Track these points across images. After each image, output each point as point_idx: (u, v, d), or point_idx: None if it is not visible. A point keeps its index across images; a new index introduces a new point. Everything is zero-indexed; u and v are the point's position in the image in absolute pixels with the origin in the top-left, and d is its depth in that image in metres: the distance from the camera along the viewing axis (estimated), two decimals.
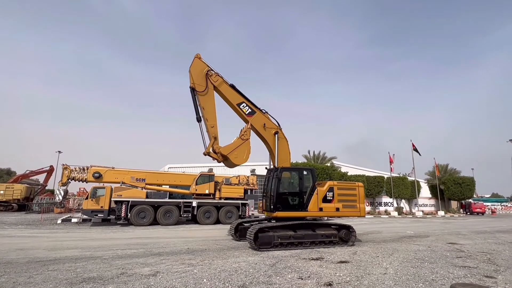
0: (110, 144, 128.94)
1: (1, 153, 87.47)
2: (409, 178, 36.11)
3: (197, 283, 4.94)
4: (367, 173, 34.68)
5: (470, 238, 11.81)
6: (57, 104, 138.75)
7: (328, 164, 32.03)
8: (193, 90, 9.89)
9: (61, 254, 7.37)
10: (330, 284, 4.98)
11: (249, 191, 19.79)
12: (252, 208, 19.68)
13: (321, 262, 6.71)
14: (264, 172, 10.61)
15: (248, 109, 10.11)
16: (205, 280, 5.13)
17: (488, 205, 42.69)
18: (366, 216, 9.26)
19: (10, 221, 17.07)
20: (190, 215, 16.83)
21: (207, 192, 17.49)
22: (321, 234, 8.90)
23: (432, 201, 38.47)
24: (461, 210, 37.90)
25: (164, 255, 7.43)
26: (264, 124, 10.11)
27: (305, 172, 9.55)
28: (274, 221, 9.25)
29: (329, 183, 9.64)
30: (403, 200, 35.39)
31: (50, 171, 34.13)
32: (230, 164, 10.00)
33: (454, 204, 39.56)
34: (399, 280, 5.32)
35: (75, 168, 16.93)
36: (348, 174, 31.41)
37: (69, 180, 16.88)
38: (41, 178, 35.53)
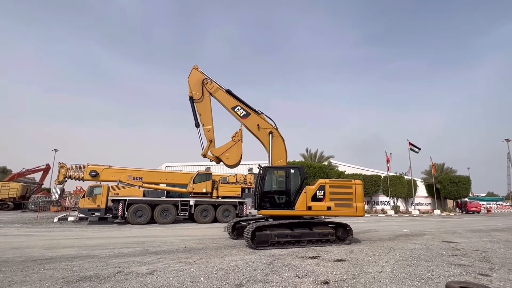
0: (107, 143, 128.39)
1: None
2: (405, 177, 36.33)
3: (194, 281, 4.94)
4: (364, 172, 34.82)
5: (466, 237, 11.90)
6: (54, 102, 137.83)
7: (326, 163, 32.12)
8: (191, 98, 10.80)
9: (58, 253, 7.33)
10: (327, 282, 5.00)
11: (246, 189, 19.85)
12: (249, 207, 19.69)
13: (318, 261, 6.73)
14: None
15: (242, 112, 10.52)
16: (202, 278, 5.13)
17: (483, 204, 43.03)
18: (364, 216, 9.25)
19: (6, 220, 16.97)
20: (187, 214, 16.84)
21: (204, 190, 17.52)
22: (318, 233, 8.89)
23: (429, 200, 38.70)
24: (457, 209, 38.14)
25: (161, 253, 7.42)
26: (258, 125, 10.32)
27: (292, 171, 9.39)
28: (271, 219, 9.27)
29: (319, 181, 9.43)
30: (399, 199, 35.62)
31: (46, 170, 33.90)
32: (226, 164, 10.42)
33: (450, 203, 39.80)
34: (395, 278, 5.36)
35: (71, 167, 16.87)
36: (346, 173, 31.60)
37: (66, 179, 16.83)
38: (37, 176, 35.35)
